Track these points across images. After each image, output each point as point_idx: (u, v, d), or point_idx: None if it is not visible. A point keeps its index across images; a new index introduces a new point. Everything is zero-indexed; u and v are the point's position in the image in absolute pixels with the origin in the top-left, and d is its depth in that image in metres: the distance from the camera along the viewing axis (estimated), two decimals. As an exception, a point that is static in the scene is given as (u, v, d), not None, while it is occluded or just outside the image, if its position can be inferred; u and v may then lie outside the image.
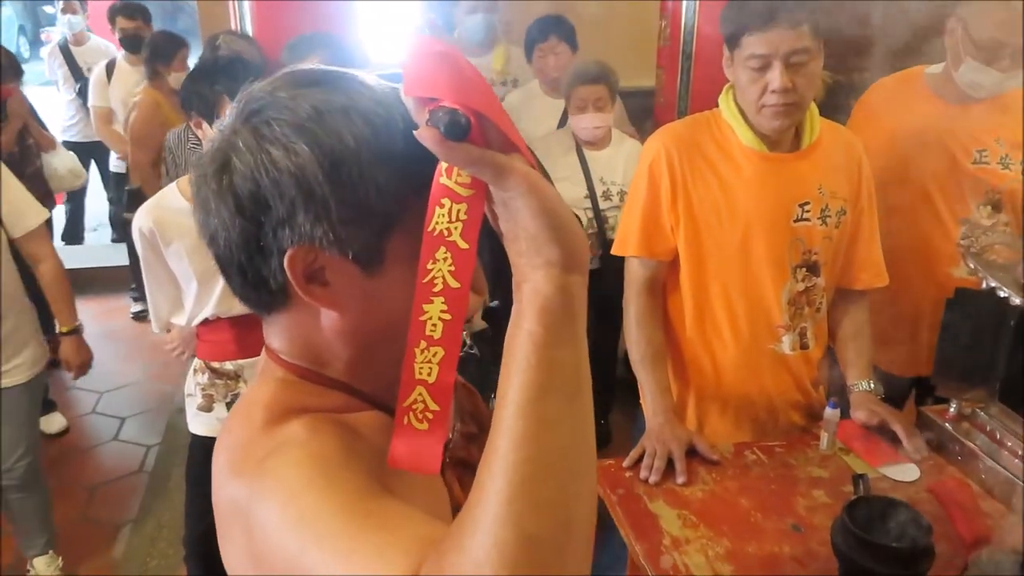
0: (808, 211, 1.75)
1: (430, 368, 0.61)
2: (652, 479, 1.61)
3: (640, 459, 1.66)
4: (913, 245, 2.13)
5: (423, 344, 0.61)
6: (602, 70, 2.98)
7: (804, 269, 1.78)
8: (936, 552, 1.29)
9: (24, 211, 2.31)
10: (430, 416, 0.62)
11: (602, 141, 3.07)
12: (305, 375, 0.75)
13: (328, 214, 0.65)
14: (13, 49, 12.34)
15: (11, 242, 2.34)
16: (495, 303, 1.73)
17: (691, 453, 1.68)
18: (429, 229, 0.60)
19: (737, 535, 1.47)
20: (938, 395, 1.82)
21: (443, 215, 0.59)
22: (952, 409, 1.69)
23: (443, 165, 0.59)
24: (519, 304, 0.58)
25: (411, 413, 0.62)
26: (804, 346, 1.83)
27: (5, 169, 2.29)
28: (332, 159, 0.65)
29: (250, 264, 0.70)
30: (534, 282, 0.57)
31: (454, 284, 0.60)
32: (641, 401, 1.85)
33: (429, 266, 0.60)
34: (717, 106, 1.81)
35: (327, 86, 0.68)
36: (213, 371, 2.16)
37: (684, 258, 1.80)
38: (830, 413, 1.71)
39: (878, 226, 1.89)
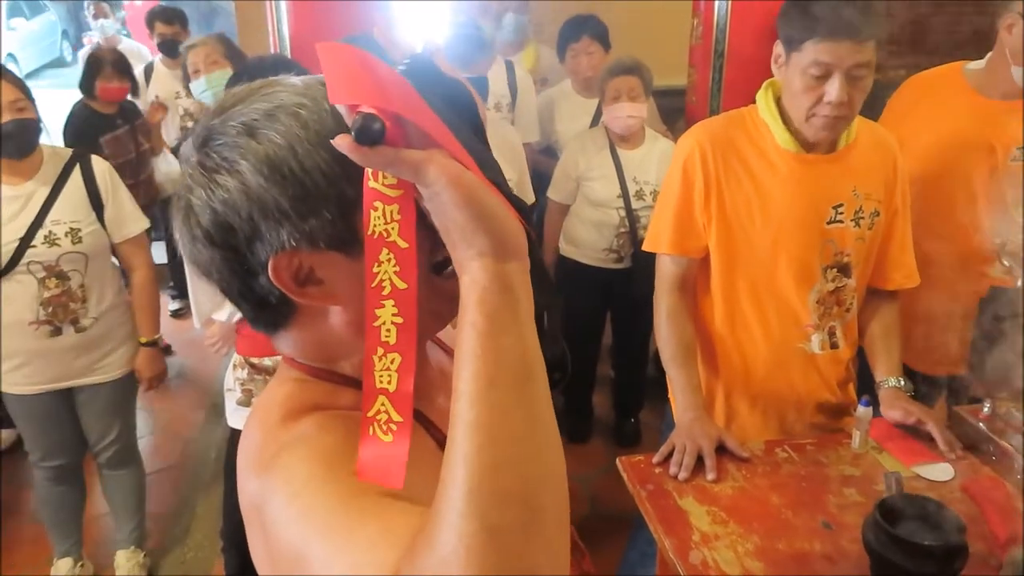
0: (842, 213, 1.74)
1: (389, 376, 0.61)
2: (681, 475, 1.61)
3: (670, 455, 1.66)
4: (949, 242, 2.10)
5: (380, 351, 0.61)
6: (635, 62, 3.01)
7: (835, 270, 1.77)
8: (970, 551, 1.28)
9: (126, 218, 2.40)
10: (394, 428, 0.61)
11: (635, 138, 3.07)
12: (318, 375, 0.78)
13: (286, 215, 0.67)
14: (56, 53, 12.71)
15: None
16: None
17: (721, 450, 1.68)
18: (369, 233, 0.60)
19: (767, 532, 1.47)
20: (973, 395, 1.80)
21: (378, 218, 0.60)
22: (986, 409, 1.68)
23: (369, 169, 0.60)
24: (462, 298, 0.58)
25: (375, 424, 0.61)
26: (834, 345, 1.82)
27: (116, 176, 2.41)
28: (268, 163, 0.67)
29: (247, 288, 0.72)
30: (471, 273, 0.58)
31: (401, 285, 0.60)
32: (670, 398, 1.86)
33: (375, 269, 0.61)
34: (754, 102, 1.80)
35: (250, 99, 0.71)
36: (252, 367, 2.20)
37: (715, 256, 1.80)
38: (862, 411, 1.70)
39: (911, 226, 1.87)
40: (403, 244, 0.60)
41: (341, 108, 0.60)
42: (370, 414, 0.61)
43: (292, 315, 0.75)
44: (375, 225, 0.60)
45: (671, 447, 1.67)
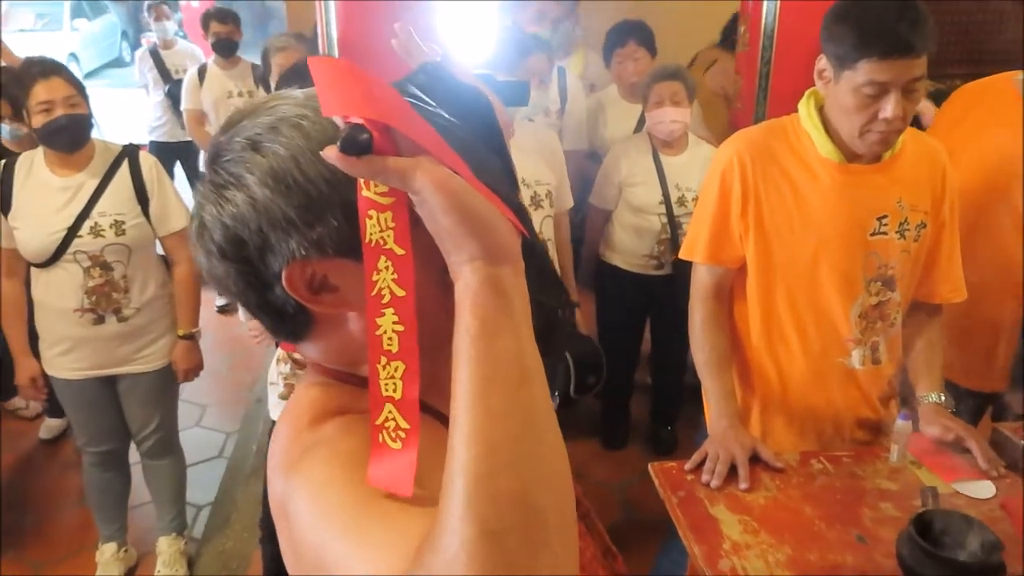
0: (886, 224, 1.70)
1: (394, 384, 0.62)
2: (714, 483, 1.61)
3: (702, 463, 1.65)
4: (994, 256, 2.06)
5: (383, 360, 0.61)
6: (678, 68, 3.02)
7: (879, 283, 1.73)
8: (1009, 571, 1.25)
9: (170, 213, 2.46)
10: (402, 435, 0.62)
11: (678, 143, 3.06)
12: (343, 378, 0.79)
13: (294, 225, 0.68)
14: (115, 53, 13.07)
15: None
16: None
17: (754, 460, 1.66)
18: (366, 241, 0.61)
19: (799, 543, 1.46)
20: (1015, 412, 1.76)
21: (374, 226, 0.61)
22: (1029, 426, 1.64)
23: (360, 179, 0.61)
24: (456, 303, 0.59)
25: (384, 431, 0.62)
26: (876, 361, 1.78)
27: (163, 171, 2.49)
28: (272, 174, 0.68)
29: (264, 300, 0.73)
30: (463, 278, 0.58)
31: (399, 292, 0.61)
32: (704, 406, 1.85)
33: (374, 278, 0.61)
34: (796, 111, 1.77)
35: (254, 115, 0.72)
36: (295, 362, 2.24)
37: (752, 267, 1.78)
38: (901, 425, 1.67)
39: (959, 239, 1.84)
40: (399, 251, 0.61)
41: (338, 120, 0.61)
42: (378, 422, 0.62)
43: (311, 324, 0.76)
44: (371, 233, 0.61)
45: (704, 455, 1.67)
